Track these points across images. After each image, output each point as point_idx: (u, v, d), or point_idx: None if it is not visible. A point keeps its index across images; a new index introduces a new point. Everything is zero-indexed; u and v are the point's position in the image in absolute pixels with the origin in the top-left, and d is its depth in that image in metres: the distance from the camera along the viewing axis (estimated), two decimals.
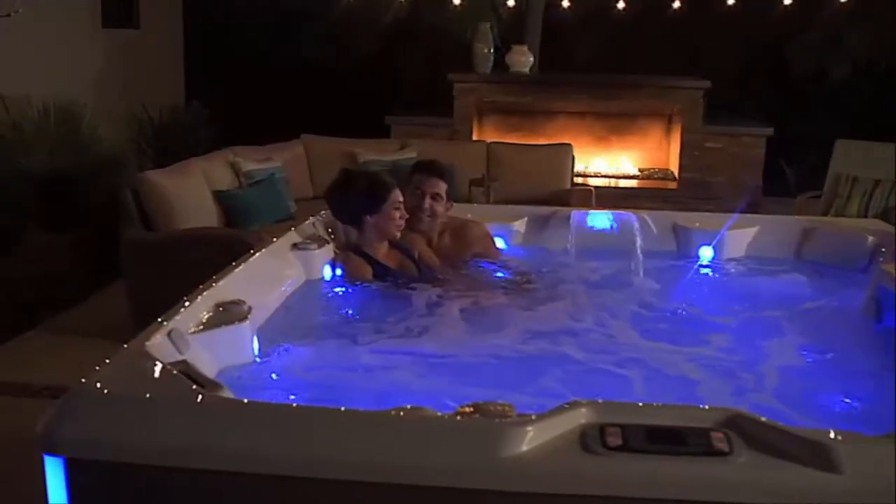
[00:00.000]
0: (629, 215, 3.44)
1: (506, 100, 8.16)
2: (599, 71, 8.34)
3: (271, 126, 6.67)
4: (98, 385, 1.73)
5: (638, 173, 8.42)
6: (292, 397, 2.15)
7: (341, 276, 3.18)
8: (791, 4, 8.22)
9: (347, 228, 3.36)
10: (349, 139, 6.61)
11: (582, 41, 8.67)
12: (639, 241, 3.28)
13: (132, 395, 1.69)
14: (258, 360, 2.34)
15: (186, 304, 2.24)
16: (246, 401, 1.71)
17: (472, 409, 1.69)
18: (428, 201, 3.39)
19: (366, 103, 8.22)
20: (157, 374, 1.78)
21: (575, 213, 3.53)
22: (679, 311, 2.99)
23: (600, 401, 1.70)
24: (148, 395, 1.69)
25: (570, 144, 6.75)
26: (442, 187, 3.41)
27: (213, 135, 7.65)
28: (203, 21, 8.92)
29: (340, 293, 3.09)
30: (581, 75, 8.25)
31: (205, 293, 2.33)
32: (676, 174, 8.17)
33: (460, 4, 8.22)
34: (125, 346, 1.92)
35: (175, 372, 1.81)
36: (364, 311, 2.91)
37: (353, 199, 3.20)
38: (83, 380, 1.75)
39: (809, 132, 7.90)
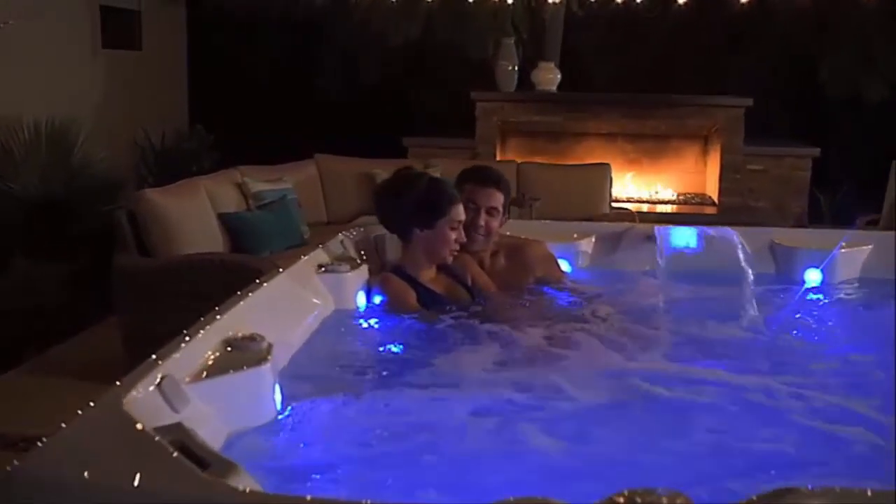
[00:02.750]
0: (727, 230, 2.83)
1: (532, 119, 7.61)
2: (618, 90, 7.78)
3: (279, 152, 6.12)
4: (44, 465, 1.11)
5: (674, 198, 7.84)
6: (317, 468, 1.54)
7: (380, 305, 2.57)
8: (821, 23, 7.68)
9: (385, 248, 2.76)
10: (366, 159, 6.06)
11: (602, 59, 8.14)
12: (745, 263, 2.65)
13: (96, 483, 1.08)
14: (280, 417, 1.72)
15: (185, 341, 1.63)
16: (279, 496, 1.09)
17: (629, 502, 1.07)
18: (483, 217, 2.79)
19: (379, 126, 7.69)
20: (137, 447, 1.17)
21: (660, 229, 2.91)
22: (816, 350, 2.37)
23: (811, 488, 1.08)
24: (120, 483, 1.07)
25: (607, 164, 6.20)
26: (499, 199, 2.81)
27: (218, 161, 7.12)
28: (208, 43, 8.45)
29: (380, 326, 2.47)
30: (612, 94, 7.70)
31: (209, 326, 1.72)
32: (715, 199, 7.60)
33: (479, 21, 7.70)
34: (91, 403, 1.31)
35: (165, 444, 1.19)
36: (411, 348, 2.29)
37: (405, 203, 2.59)
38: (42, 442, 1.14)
39: (842, 157, 7.36)
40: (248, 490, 1.10)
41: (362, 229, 2.94)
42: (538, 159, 7.19)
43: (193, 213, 4.49)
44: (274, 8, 7.74)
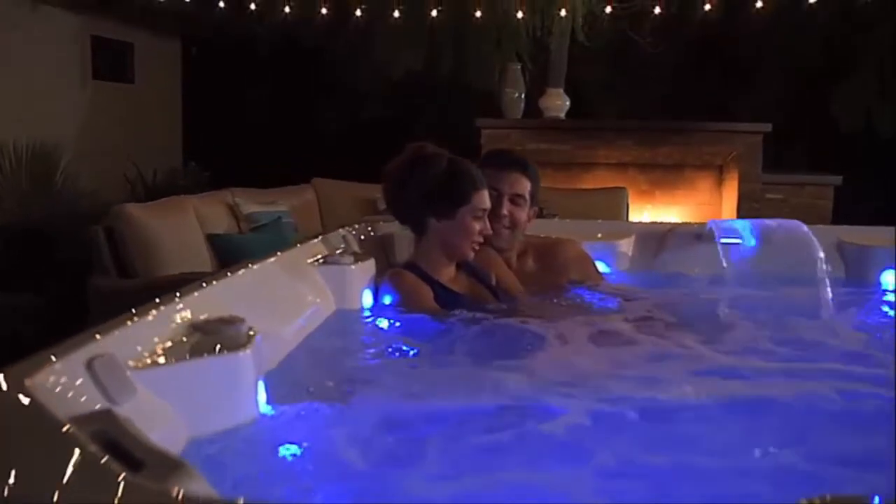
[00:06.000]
0: (796, 224, 2.41)
1: (540, 147, 7.25)
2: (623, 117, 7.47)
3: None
4: None
5: None
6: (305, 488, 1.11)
7: (390, 305, 2.14)
8: (832, 54, 7.39)
9: (394, 248, 2.35)
10: (367, 184, 5.67)
11: (608, 94, 7.86)
12: (821, 259, 2.22)
13: None
14: (263, 421, 1.29)
15: (137, 318, 1.20)
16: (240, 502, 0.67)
17: None
18: (507, 206, 2.37)
19: (380, 159, 7.29)
20: (32, 439, 0.75)
21: (716, 223, 2.48)
22: None
23: None
24: None
25: (624, 188, 5.86)
26: (524, 185, 2.40)
27: None
28: (204, 78, 8.17)
29: (390, 327, 2.03)
30: (623, 121, 7.39)
31: (171, 303, 1.30)
32: None
33: (482, 51, 7.40)
34: None
35: (79, 435, 0.77)
36: (429, 352, 1.84)
37: (420, 187, 2.17)
38: None
39: (855, 190, 7.01)
40: (201, 499, 0.68)
41: (369, 228, 2.52)
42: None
43: (179, 233, 4.08)
44: (271, 41, 7.47)
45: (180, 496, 0.65)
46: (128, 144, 7.12)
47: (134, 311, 1.25)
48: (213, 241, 4.33)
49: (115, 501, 0.66)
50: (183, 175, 7.40)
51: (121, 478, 0.69)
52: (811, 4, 6.04)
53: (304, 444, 1.25)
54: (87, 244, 4.96)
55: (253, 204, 4.85)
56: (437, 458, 1.29)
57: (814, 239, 2.27)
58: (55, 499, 0.68)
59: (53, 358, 0.97)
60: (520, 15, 6.16)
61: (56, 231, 5.39)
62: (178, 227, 4.12)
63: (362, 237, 2.45)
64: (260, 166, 7.41)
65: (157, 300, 1.32)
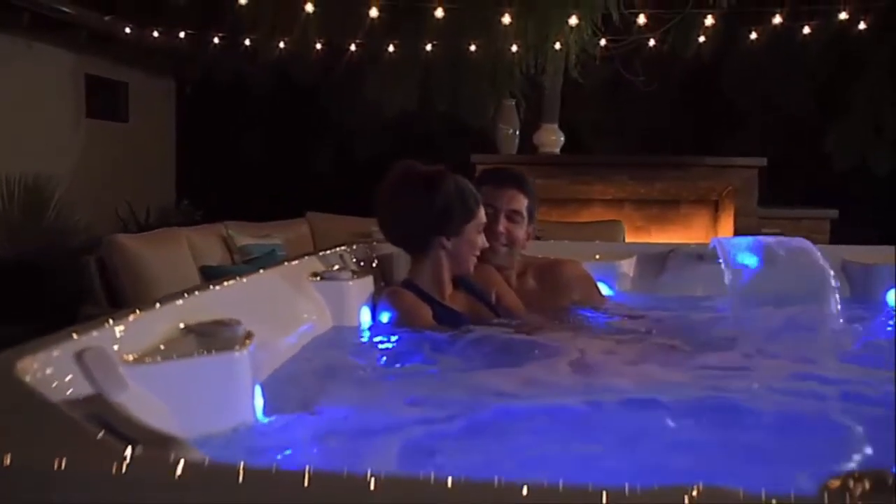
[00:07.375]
0: (801, 241, 2.37)
1: (535, 183, 7.22)
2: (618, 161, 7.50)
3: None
4: None
5: None
6: None
7: (389, 323, 2.08)
8: (826, 88, 7.45)
9: (393, 269, 2.31)
10: (361, 218, 5.64)
11: (601, 132, 7.90)
12: (830, 275, 2.18)
13: None
14: (260, 425, 1.23)
15: (129, 317, 1.15)
16: (240, 467, 0.62)
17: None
18: (503, 223, 2.33)
19: (373, 199, 7.25)
20: (27, 415, 0.70)
21: (719, 241, 2.44)
22: None
23: None
24: None
25: (619, 222, 5.84)
26: (521, 202, 2.38)
27: None
28: (198, 117, 8.17)
29: (389, 342, 1.98)
30: (619, 156, 7.40)
31: (165, 304, 1.25)
32: None
33: (477, 87, 7.43)
34: None
35: (74, 416, 0.72)
36: (429, 366, 1.79)
37: (431, 208, 2.10)
38: None
39: (851, 228, 7.02)
40: (206, 462, 0.63)
41: (367, 248, 2.48)
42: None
43: (172, 264, 4.04)
44: (265, 79, 7.50)
45: (181, 463, 0.61)
46: (121, 182, 7.10)
47: (126, 310, 1.19)
48: (206, 272, 4.28)
49: (115, 470, 0.61)
50: (176, 213, 7.37)
51: (123, 451, 0.64)
52: (805, 36, 6.09)
53: (295, 453, 1.19)
54: (78, 276, 4.92)
55: (246, 237, 4.82)
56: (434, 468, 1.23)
57: (819, 255, 2.23)
58: (56, 472, 0.63)
59: (42, 347, 0.92)
60: (514, 48, 6.19)
61: (47, 264, 5.34)
62: (171, 258, 4.08)
63: (362, 263, 2.40)
64: (253, 205, 7.37)
65: (150, 302, 1.26)
